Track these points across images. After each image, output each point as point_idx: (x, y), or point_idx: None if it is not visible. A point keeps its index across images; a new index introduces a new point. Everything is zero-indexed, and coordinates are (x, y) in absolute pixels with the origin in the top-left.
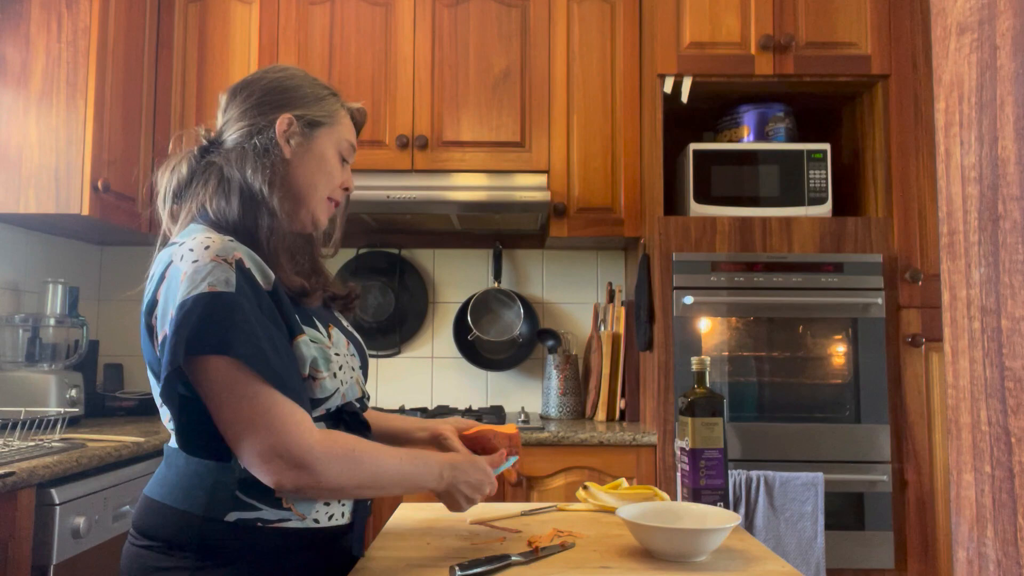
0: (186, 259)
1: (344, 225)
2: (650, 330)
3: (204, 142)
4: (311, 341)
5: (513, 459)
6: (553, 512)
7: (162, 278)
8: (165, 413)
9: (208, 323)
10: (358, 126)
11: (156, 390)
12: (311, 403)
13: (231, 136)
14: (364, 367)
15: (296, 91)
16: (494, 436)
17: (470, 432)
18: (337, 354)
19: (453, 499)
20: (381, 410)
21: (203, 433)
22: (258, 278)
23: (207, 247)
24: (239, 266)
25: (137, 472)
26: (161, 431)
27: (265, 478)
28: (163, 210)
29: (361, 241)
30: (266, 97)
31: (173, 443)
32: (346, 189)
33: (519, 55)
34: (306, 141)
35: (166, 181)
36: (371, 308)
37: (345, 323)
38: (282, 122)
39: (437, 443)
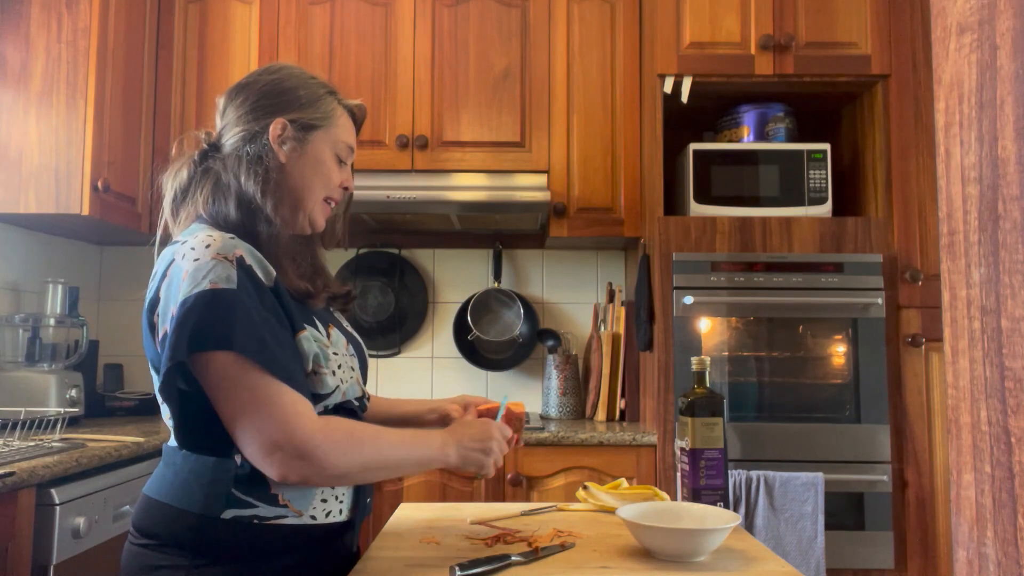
0: (187, 257)
1: (348, 221)
2: (650, 330)
3: (204, 146)
4: (311, 339)
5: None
6: (553, 512)
7: (164, 276)
8: (166, 409)
9: (211, 319)
10: (358, 123)
11: (157, 386)
12: (312, 398)
13: (228, 141)
14: (363, 367)
15: (291, 93)
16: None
17: (483, 408)
18: (335, 353)
19: (469, 461)
20: None
21: (202, 429)
22: (259, 274)
23: (208, 245)
24: (240, 263)
25: (137, 472)
26: (161, 431)
27: (269, 471)
28: (167, 214)
29: (361, 241)
30: (261, 101)
31: (171, 442)
32: (345, 189)
33: (519, 55)
34: (301, 145)
35: (169, 186)
36: (371, 308)
37: (344, 323)
38: (275, 127)
39: (445, 423)
